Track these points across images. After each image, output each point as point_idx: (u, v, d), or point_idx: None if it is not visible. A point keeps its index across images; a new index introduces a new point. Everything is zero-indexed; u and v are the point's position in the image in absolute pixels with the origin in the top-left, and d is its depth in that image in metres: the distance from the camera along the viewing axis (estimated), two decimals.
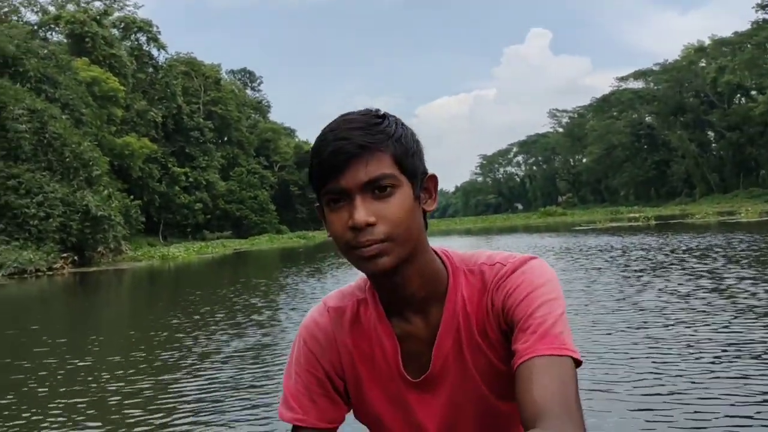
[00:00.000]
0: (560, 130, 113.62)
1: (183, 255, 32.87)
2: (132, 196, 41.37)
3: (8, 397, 5.42)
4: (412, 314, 1.11)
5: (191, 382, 5.61)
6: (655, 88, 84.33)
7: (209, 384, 5.51)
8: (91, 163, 29.00)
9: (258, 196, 69.91)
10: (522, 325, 0.99)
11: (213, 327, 8.52)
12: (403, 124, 1.05)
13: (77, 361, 6.79)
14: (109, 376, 5.98)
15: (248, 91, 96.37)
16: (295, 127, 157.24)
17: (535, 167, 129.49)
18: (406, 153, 1.01)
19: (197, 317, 9.59)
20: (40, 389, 5.69)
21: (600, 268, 12.34)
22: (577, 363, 0.97)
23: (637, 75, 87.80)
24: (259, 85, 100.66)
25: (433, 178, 1.08)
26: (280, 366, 5.75)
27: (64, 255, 25.92)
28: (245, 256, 33.31)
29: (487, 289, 1.07)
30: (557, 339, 0.96)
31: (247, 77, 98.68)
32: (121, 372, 6.16)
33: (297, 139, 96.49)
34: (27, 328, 10.45)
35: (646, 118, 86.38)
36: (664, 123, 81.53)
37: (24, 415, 4.86)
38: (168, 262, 29.24)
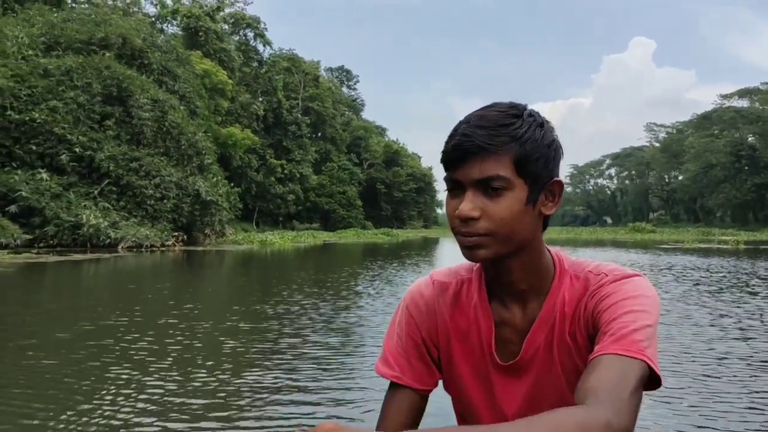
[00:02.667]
0: (656, 144, 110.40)
1: (279, 242, 35.13)
2: (232, 184, 44.17)
3: (140, 342, 6.97)
4: (512, 302, 1.16)
5: (289, 350, 6.93)
6: (761, 108, 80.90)
7: (308, 349, 6.87)
8: (203, 151, 31.58)
9: (347, 192, 71.91)
10: (604, 328, 1.00)
11: (311, 304, 9.95)
12: (540, 125, 1.08)
13: (186, 323, 8.33)
14: (215, 340, 7.44)
15: (344, 89, 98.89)
16: (385, 125, 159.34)
17: (627, 181, 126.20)
18: (528, 157, 1.04)
19: (301, 295, 11.06)
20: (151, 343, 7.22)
21: (662, 283, 13.01)
22: (655, 380, 0.97)
23: (743, 93, 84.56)
24: (355, 83, 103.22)
25: (559, 183, 1.11)
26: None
27: (175, 234, 28.53)
28: (334, 247, 35.08)
29: (587, 294, 1.10)
30: (634, 344, 0.95)
31: (344, 75, 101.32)
32: (231, 342, 7.60)
33: (387, 138, 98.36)
34: (144, 292, 12.26)
35: (749, 139, 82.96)
36: (767, 145, 78.16)
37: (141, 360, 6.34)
38: (266, 248, 31.45)
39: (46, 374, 5.26)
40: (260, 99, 63.65)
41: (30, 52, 29.44)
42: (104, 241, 24.84)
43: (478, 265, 1.22)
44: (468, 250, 1.06)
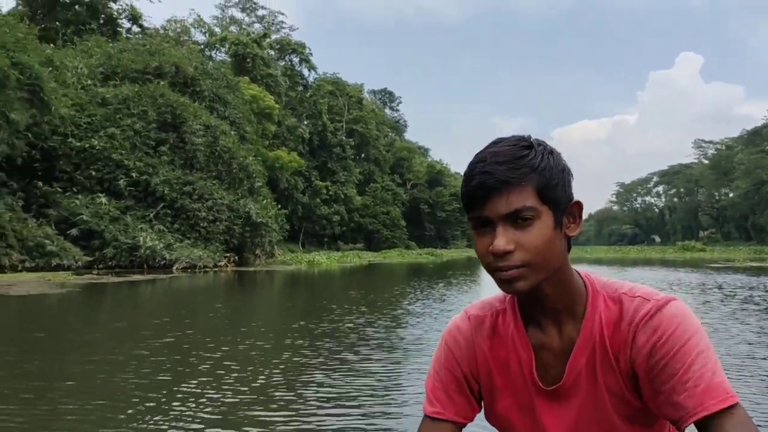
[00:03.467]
0: (705, 161, 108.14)
1: (326, 262, 35.79)
2: (279, 205, 45.09)
3: (188, 358, 7.42)
4: (549, 325, 1.18)
5: (343, 368, 7.32)
6: None
7: (355, 369, 7.24)
8: (253, 175, 32.58)
9: (390, 212, 72.39)
10: (681, 377, 1.01)
11: (365, 322, 10.33)
12: (551, 152, 1.12)
13: (240, 339, 8.77)
14: (267, 357, 7.87)
15: (387, 111, 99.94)
16: (428, 145, 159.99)
17: (676, 199, 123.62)
18: (549, 184, 1.08)
19: (354, 314, 11.45)
20: (207, 360, 7.67)
21: (708, 302, 12.99)
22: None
23: None
24: (397, 105, 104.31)
25: (578, 205, 1.14)
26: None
27: (227, 255, 29.43)
28: (379, 267, 35.47)
29: (624, 319, 1.11)
30: (722, 389, 0.99)
31: (387, 97, 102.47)
32: (284, 354, 8.02)
33: (430, 159, 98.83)
34: (202, 311, 12.82)
35: None
36: None
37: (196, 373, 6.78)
38: (313, 268, 32.08)
39: (120, 386, 5.75)
40: (305, 122, 64.95)
41: (89, 81, 30.94)
42: (160, 262, 25.80)
43: (509, 295, 1.25)
44: (507, 284, 1.08)
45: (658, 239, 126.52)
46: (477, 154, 1.12)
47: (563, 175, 1.11)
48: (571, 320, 1.16)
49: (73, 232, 25.00)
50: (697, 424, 0.99)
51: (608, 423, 1.14)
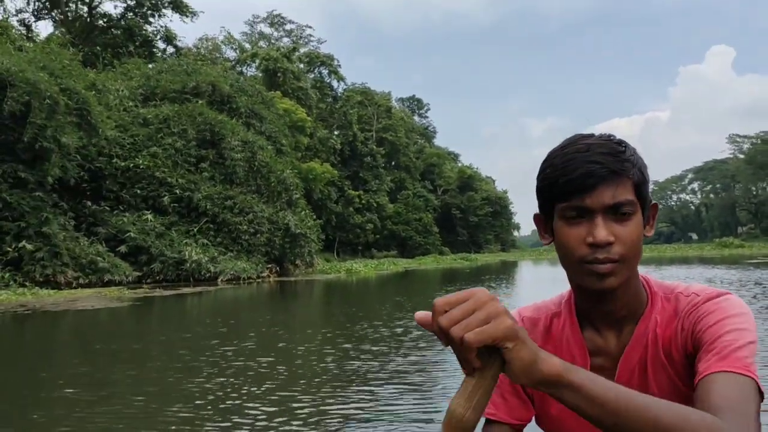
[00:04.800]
0: (741, 156, 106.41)
1: (363, 270, 36.49)
2: (314, 216, 45.89)
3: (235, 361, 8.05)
4: (607, 330, 1.17)
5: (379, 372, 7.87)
6: None
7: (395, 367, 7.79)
8: (291, 187, 33.44)
9: (422, 218, 72.77)
10: (707, 347, 1.01)
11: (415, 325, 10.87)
12: (638, 153, 1.12)
13: (283, 346, 9.38)
14: (309, 363, 8.45)
15: (416, 118, 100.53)
16: (458, 150, 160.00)
17: (712, 195, 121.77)
18: (644, 182, 1.09)
19: (406, 319, 12.01)
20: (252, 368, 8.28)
21: (743, 296, 13.25)
22: (761, 395, 0.96)
23: None
24: (426, 111, 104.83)
25: (655, 207, 1.16)
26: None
27: (269, 266, 30.29)
28: (416, 273, 36.02)
29: (678, 315, 1.12)
30: (740, 361, 0.96)
31: (415, 105, 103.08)
32: (324, 360, 8.60)
33: (460, 164, 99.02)
34: (254, 320, 13.49)
35: None
36: None
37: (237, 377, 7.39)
38: (352, 276, 32.79)
39: (184, 392, 6.41)
40: (336, 133, 65.91)
41: (130, 103, 32.14)
42: (205, 275, 26.71)
43: (566, 297, 1.24)
44: (600, 279, 1.06)
45: (695, 237, 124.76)
46: (569, 145, 1.10)
47: (648, 175, 1.13)
48: (630, 323, 1.16)
49: (122, 248, 26.02)
50: (698, 383, 0.97)
51: None
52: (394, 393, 5.92)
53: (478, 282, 24.05)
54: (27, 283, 21.19)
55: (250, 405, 5.51)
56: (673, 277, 21.83)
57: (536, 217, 1.18)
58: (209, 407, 5.46)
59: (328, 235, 57.25)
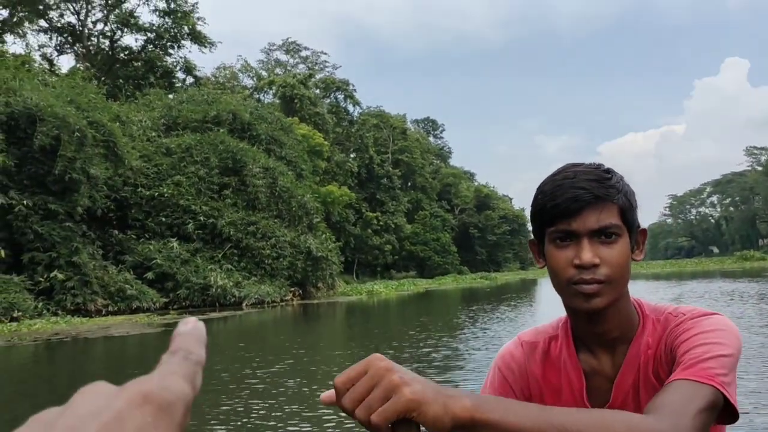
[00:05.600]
0: (759, 168, 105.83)
1: (384, 291, 36.87)
2: (333, 238, 46.36)
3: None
4: (601, 352, 1.21)
5: None
6: None
7: None
8: (312, 211, 34.07)
9: (440, 238, 72.96)
10: (678, 359, 1.04)
11: (446, 344, 11.20)
12: (625, 180, 1.16)
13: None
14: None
15: (431, 139, 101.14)
16: (474, 170, 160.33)
17: (731, 208, 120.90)
18: (630, 207, 1.13)
19: (435, 338, 12.34)
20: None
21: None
22: (732, 413, 1.00)
23: None
24: (441, 132, 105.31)
25: (644, 232, 1.19)
26: None
27: (292, 289, 30.78)
28: (436, 294, 36.29)
29: (665, 335, 1.15)
30: (703, 370, 0.98)
31: (430, 126, 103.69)
32: None
33: (476, 183, 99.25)
34: (287, 342, 13.88)
35: None
36: None
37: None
38: (373, 297, 33.16)
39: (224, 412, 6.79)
40: (352, 156, 66.62)
41: (153, 133, 32.94)
42: (230, 300, 27.22)
43: (563, 321, 1.27)
44: (587, 299, 1.09)
45: (716, 250, 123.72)
46: (557, 173, 1.15)
47: (635, 201, 1.16)
48: (622, 344, 1.19)
49: (149, 275, 26.59)
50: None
51: None
52: None
53: (503, 301, 24.30)
54: (59, 312, 21.78)
55: (291, 422, 5.90)
56: (695, 293, 21.91)
57: (531, 243, 1.23)
58: (247, 424, 5.85)
59: (347, 257, 57.61)
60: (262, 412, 6.41)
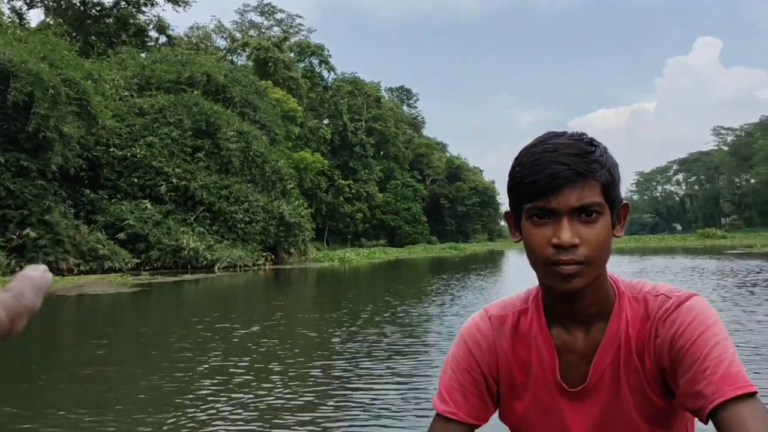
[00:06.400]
0: (725, 148, 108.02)
1: (356, 259, 37.27)
2: (307, 205, 46.44)
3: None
4: (575, 328, 1.16)
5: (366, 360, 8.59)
6: None
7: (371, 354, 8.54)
8: (285, 177, 34.17)
9: (411, 208, 73.49)
10: (699, 366, 1.01)
11: (421, 309, 11.62)
12: (609, 152, 1.10)
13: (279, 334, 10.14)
14: (296, 350, 9.18)
15: (405, 108, 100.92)
16: (446, 141, 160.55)
17: (696, 186, 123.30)
18: (613, 183, 1.07)
19: (411, 304, 12.75)
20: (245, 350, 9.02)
21: (721, 285, 14.14)
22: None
23: None
24: (414, 102, 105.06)
25: (626, 207, 1.14)
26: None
27: (264, 254, 31.01)
28: (407, 262, 36.80)
29: (650, 317, 1.11)
30: (740, 377, 0.98)
31: (405, 95, 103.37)
32: (312, 350, 9.32)
33: (448, 154, 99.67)
34: (264, 304, 14.19)
35: None
36: None
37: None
38: (345, 264, 33.55)
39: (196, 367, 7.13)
40: (326, 122, 66.36)
41: (126, 93, 32.51)
42: (202, 263, 27.37)
43: (534, 294, 1.23)
44: (564, 280, 1.05)
45: (679, 227, 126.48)
46: (538, 144, 1.09)
47: (619, 174, 1.11)
48: (599, 322, 1.15)
49: (121, 236, 26.56)
50: (715, 410, 0.97)
51: (630, 422, 1.14)
52: (393, 369, 6.67)
53: (472, 271, 24.86)
54: None
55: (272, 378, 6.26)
56: (658, 268, 22.73)
57: (507, 215, 1.18)
58: (233, 379, 6.20)
59: (318, 225, 57.75)
60: (241, 369, 6.74)
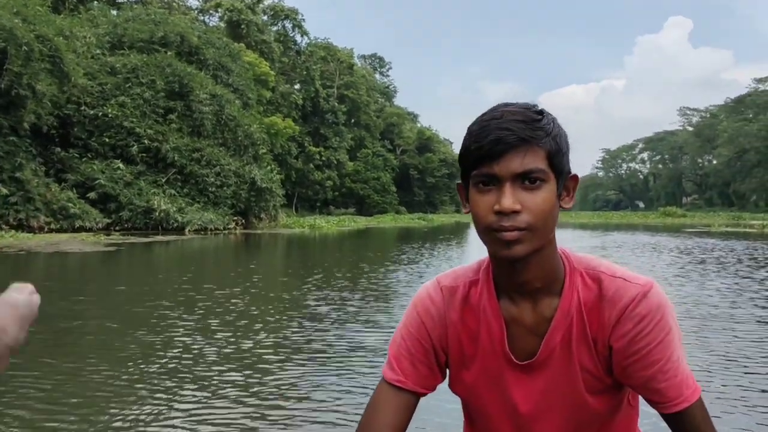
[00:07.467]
0: (690, 128, 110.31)
1: (326, 226, 37.72)
2: (278, 171, 46.53)
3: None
4: (522, 301, 1.16)
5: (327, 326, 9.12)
6: None
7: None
8: (257, 142, 34.27)
9: (381, 178, 73.88)
10: (662, 366, 1.07)
11: (387, 272, 12.17)
12: (555, 121, 1.09)
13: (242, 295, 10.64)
14: (259, 312, 9.68)
15: (377, 76, 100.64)
16: (417, 111, 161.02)
17: (660, 165, 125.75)
18: (559, 151, 1.06)
19: (378, 269, 13.27)
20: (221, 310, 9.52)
21: (676, 263, 14.98)
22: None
23: None
24: (387, 70, 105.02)
25: (575, 178, 1.13)
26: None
27: (235, 218, 31.28)
28: (375, 231, 37.34)
29: (605, 299, 1.11)
30: (692, 380, 1.10)
31: (377, 62, 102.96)
32: (273, 313, 9.80)
33: (419, 125, 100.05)
34: (225, 267, 14.61)
35: None
36: None
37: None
38: (315, 231, 33.98)
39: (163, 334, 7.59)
40: (297, 87, 65.98)
41: (97, 51, 32.11)
42: (173, 225, 27.57)
43: (485, 265, 1.23)
44: (507, 247, 1.04)
45: (641, 205, 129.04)
46: (486, 113, 1.09)
47: (567, 147, 1.10)
48: (547, 296, 1.15)
49: (92, 195, 26.58)
50: (678, 412, 1.09)
51: (577, 397, 1.16)
52: (362, 329, 7.21)
53: (439, 240, 25.50)
54: (3, 227, 21.74)
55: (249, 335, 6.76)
56: (614, 242, 23.64)
57: (459, 186, 1.18)
58: (209, 338, 6.68)
59: (288, 191, 57.82)
60: (220, 325, 7.21)
